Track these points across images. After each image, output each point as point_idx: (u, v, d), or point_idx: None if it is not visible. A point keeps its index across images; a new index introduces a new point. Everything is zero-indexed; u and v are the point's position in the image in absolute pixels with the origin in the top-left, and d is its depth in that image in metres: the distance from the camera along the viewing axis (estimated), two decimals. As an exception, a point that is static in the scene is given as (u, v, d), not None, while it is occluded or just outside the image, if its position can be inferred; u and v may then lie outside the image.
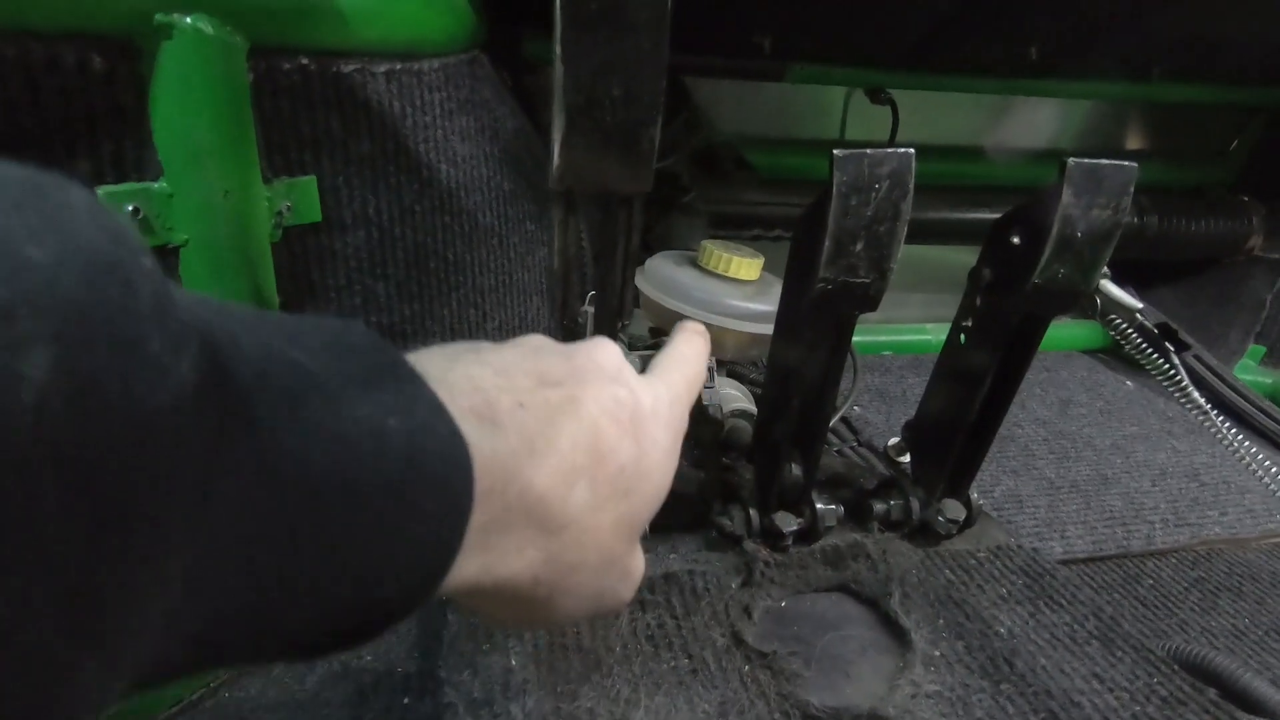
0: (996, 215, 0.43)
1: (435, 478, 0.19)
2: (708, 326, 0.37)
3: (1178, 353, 0.86)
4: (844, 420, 0.70)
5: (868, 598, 0.45)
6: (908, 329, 1.00)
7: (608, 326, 0.45)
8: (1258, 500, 0.73)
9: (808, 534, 0.48)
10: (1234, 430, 0.77)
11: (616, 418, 0.25)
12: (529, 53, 0.71)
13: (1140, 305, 0.84)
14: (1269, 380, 0.97)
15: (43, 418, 0.10)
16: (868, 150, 0.35)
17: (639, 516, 0.27)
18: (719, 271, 0.55)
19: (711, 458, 0.53)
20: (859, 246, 0.36)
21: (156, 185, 0.39)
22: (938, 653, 0.41)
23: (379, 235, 0.52)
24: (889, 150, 0.35)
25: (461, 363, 0.24)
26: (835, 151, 0.35)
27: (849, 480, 0.55)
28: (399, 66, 0.49)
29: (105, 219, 0.12)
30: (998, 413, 0.47)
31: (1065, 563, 0.62)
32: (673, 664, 0.39)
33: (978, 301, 0.45)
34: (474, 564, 0.21)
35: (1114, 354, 1.02)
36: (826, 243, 0.36)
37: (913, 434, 0.54)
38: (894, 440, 0.57)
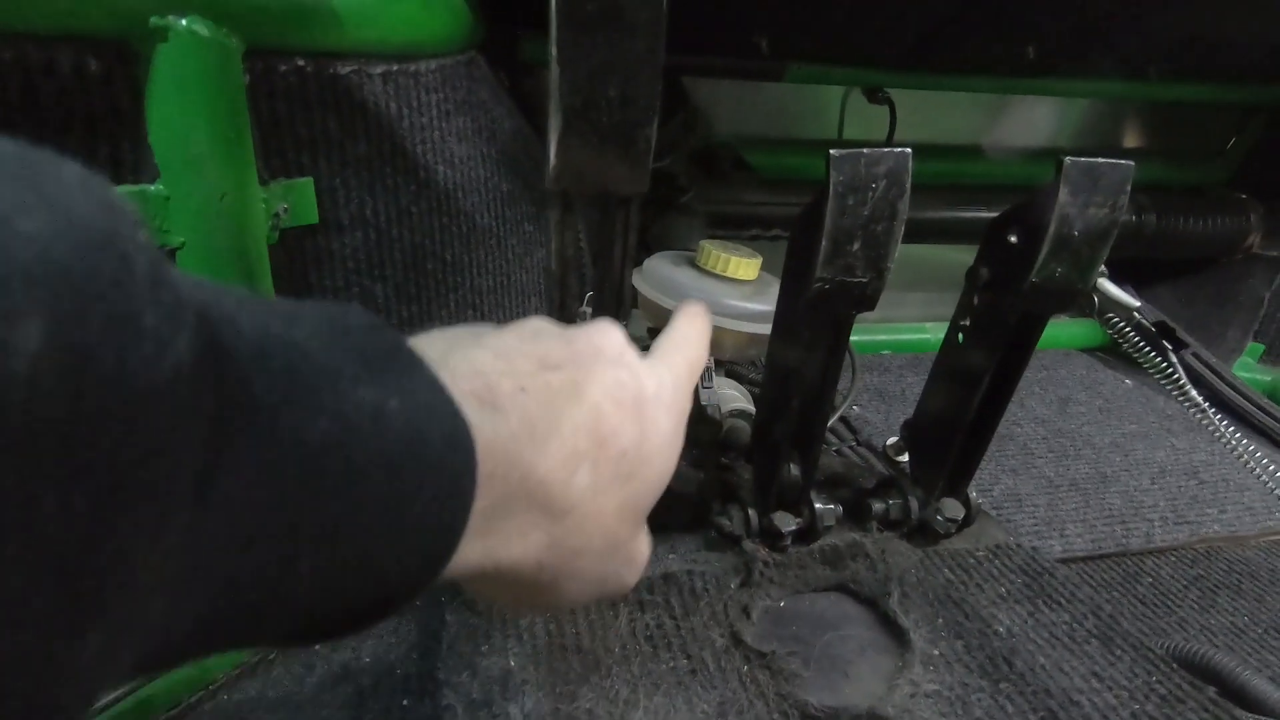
0: (994, 214, 0.43)
1: (437, 459, 0.19)
2: (705, 327, 0.37)
3: (1176, 351, 0.87)
4: (843, 420, 0.70)
5: (866, 597, 0.45)
6: (906, 328, 1.00)
7: (605, 327, 0.45)
8: (1256, 498, 0.73)
9: (806, 534, 0.48)
10: (1232, 428, 0.78)
11: (619, 401, 0.25)
12: (526, 54, 0.71)
13: (1138, 303, 0.84)
14: (1268, 378, 0.97)
15: (36, 389, 0.10)
16: (864, 150, 0.35)
17: (643, 500, 0.27)
18: (717, 271, 0.55)
19: (710, 458, 0.53)
20: (856, 246, 0.36)
21: (153, 188, 0.39)
22: (937, 652, 0.41)
23: (376, 237, 0.52)
24: (886, 150, 0.35)
25: (461, 346, 0.24)
26: (832, 151, 0.35)
27: (848, 480, 0.55)
28: (396, 68, 0.49)
29: (99, 193, 0.12)
30: (996, 411, 0.47)
31: (1064, 561, 0.62)
32: (671, 664, 0.39)
33: (976, 300, 0.45)
34: (477, 548, 0.21)
35: (1112, 352, 1.02)
36: (824, 242, 0.36)
37: (911, 433, 0.54)
38: (892, 439, 0.57)
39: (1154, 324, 0.90)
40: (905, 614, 0.43)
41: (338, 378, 0.17)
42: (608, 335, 0.27)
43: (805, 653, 0.41)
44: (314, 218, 0.48)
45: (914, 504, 0.50)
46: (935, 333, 0.98)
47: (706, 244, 0.56)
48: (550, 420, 0.23)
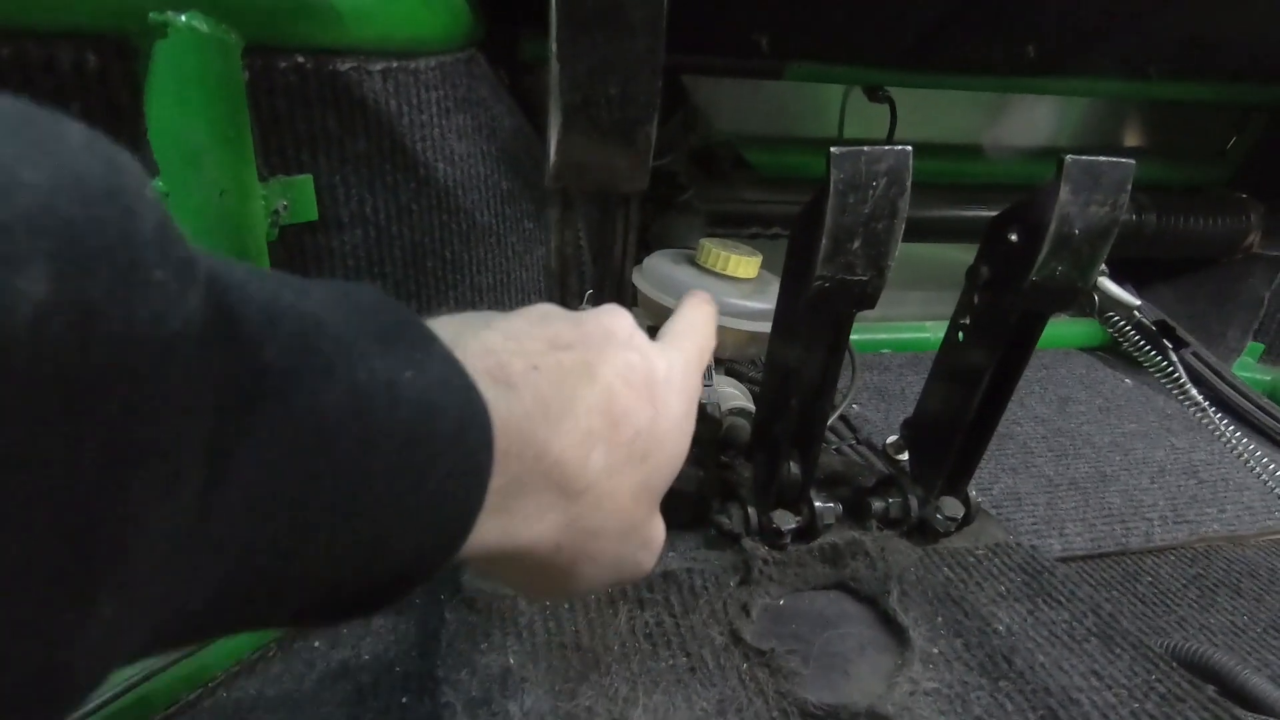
0: (994, 213, 0.43)
1: (452, 433, 0.19)
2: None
3: (1176, 350, 0.87)
4: (842, 418, 0.70)
5: (866, 595, 0.45)
6: (906, 327, 0.99)
7: (605, 325, 0.45)
8: (1256, 497, 0.73)
9: (806, 532, 0.48)
10: (1232, 427, 0.78)
11: (630, 382, 0.25)
12: (526, 52, 0.71)
13: (1138, 303, 0.84)
14: (1268, 377, 0.97)
15: (42, 337, 0.10)
16: (865, 148, 0.35)
17: (657, 482, 0.26)
18: (717, 270, 0.55)
19: (710, 456, 0.53)
20: (856, 244, 0.36)
21: (153, 184, 0.39)
22: (936, 650, 0.41)
23: (376, 234, 0.52)
24: (886, 148, 0.35)
25: (471, 328, 0.23)
26: (832, 149, 0.35)
27: (847, 478, 0.55)
28: (395, 65, 0.49)
29: (104, 150, 0.12)
30: (996, 410, 0.47)
31: (1064, 560, 0.62)
32: (671, 662, 0.39)
33: (976, 299, 0.45)
34: (494, 528, 0.21)
35: (1112, 351, 1.02)
36: (824, 241, 0.36)
37: (911, 432, 0.54)
38: (892, 438, 0.57)
39: (1154, 323, 0.90)
40: (905, 612, 0.43)
41: (351, 348, 0.17)
42: (617, 318, 0.27)
43: (805, 651, 0.41)
44: (313, 215, 0.48)
45: (914, 502, 0.50)
46: (935, 331, 0.98)
47: (706, 242, 0.56)
48: (563, 400, 0.23)
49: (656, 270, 0.56)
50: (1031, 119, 1.00)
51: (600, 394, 0.24)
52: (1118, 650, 0.42)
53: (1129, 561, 0.63)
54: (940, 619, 0.43)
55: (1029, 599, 0.46)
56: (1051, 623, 0.44)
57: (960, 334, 0.47)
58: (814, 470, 0.47)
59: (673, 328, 0.31)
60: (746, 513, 0.48)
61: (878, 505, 0.50)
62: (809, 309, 0.39)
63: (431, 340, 0.19)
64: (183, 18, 0.37)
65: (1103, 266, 0.41)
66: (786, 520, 0.46)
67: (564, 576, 0.25)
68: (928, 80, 0.85)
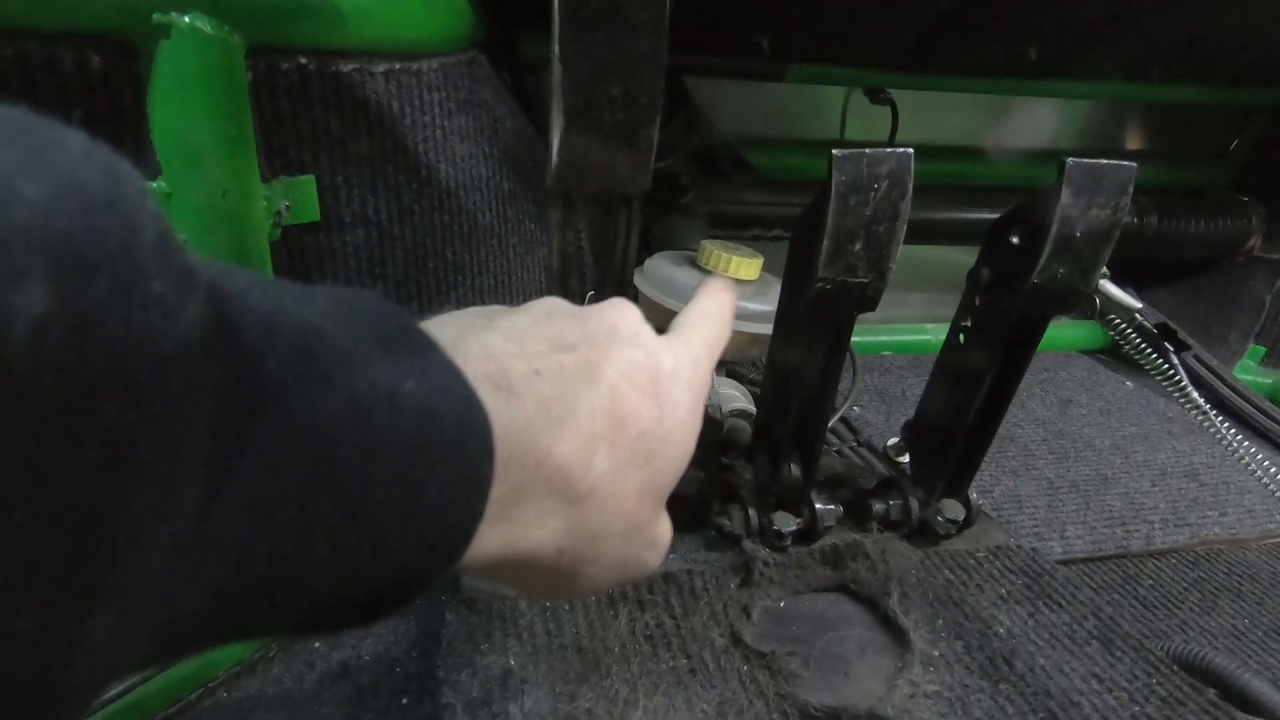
0: (995, 215, 0.43)
1: (453, 443, 0.19)
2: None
3: (1177, 353, 0.86)
4: (843, 420, 0.70)
5: (867, 597, 0.45)
6: (907, 329, 0.99)
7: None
8: (1257, 500, 0.73)
9: (807, 534, 0.48)
10: (1234, 430, 0.78)
11: (634, 381, 0.25)
12: (528, 53, 0.71)
13: (1140, 305, 0.84)
14: (1269, 381, 0.97)
15: (41, 351, 0.10)
16: (866, 150, 0.35)
17: (662, 481, 0.26)
18: (718, 271, 0.55)
19: (711, 457, 0.53)
20: (858, 246, 0.36)
21: (155, 185, 0.39)
22: (936, 653, 0.41)
23: (378, 235, 0.52)
24: (888, 150, 0.35)
25: (472, 329, 0.23)
26: (834, 151, 0.35)
27: (848, 480, 0.55)
28: (398, 66, 0.49)
29: (104, 160, 0.12)
30: (997, 413, 0.47)
31: (1064, 563, 0.62)
32: (671, 664, 0.39)
33: (977, 301, 0.45)
34: (495, 536, 0.21)
35: (1114, 354, 1.02)
36: (825, 243, 0.36)
37: (912, 434, 0.54)
38: (893, 440, 0.57)
39: (1155, 326, 0.89)
40: (905, 614, 0.43)
41: (351, 357, 0.17)
42: (623, 313, 0.27)
43: (805, 653, 0.41)
44: (316, 215, 0.48)
45: (914, 505, 0.50)
46: (936, 334, 0.98)
47: (708, 244, 0.56)
48: (566, 403, 0.23)
49: (658, 272, 0.56)
50: (1033, 121, 1.00)
51: (604, 395, 0.24)
52: (1118, 653, 0.42)
53: (1130, 564, 0.63)
54: (941, 621, 0.43)
55: (1030, 601, 0.46)
56: (1052, 625, 0.44)
57: (961, 336, 0.47)
58: (815, 472, 0.47)
59: (685, 318, 0.30)
60: (747, 514, 0.48)
61: (878, 507, 0.50)
62: (810, 311, 0.39)
63: (432, 348, 0.19)
64: (186, 18, 0.37)
65: (1104, 269, 0.41)
66: (787, 522, 0.46)
67: (568, 579, 0.25)
68: (929, 82, 0.85)
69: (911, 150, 0.35)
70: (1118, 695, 0.39)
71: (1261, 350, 0.98)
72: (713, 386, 0.55)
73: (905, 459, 0.56)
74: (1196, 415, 0.80)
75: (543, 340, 0.24)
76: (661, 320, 0.60)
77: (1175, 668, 0.41)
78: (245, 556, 0.15)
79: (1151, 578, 0.62)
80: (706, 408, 0.52)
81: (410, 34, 0.50)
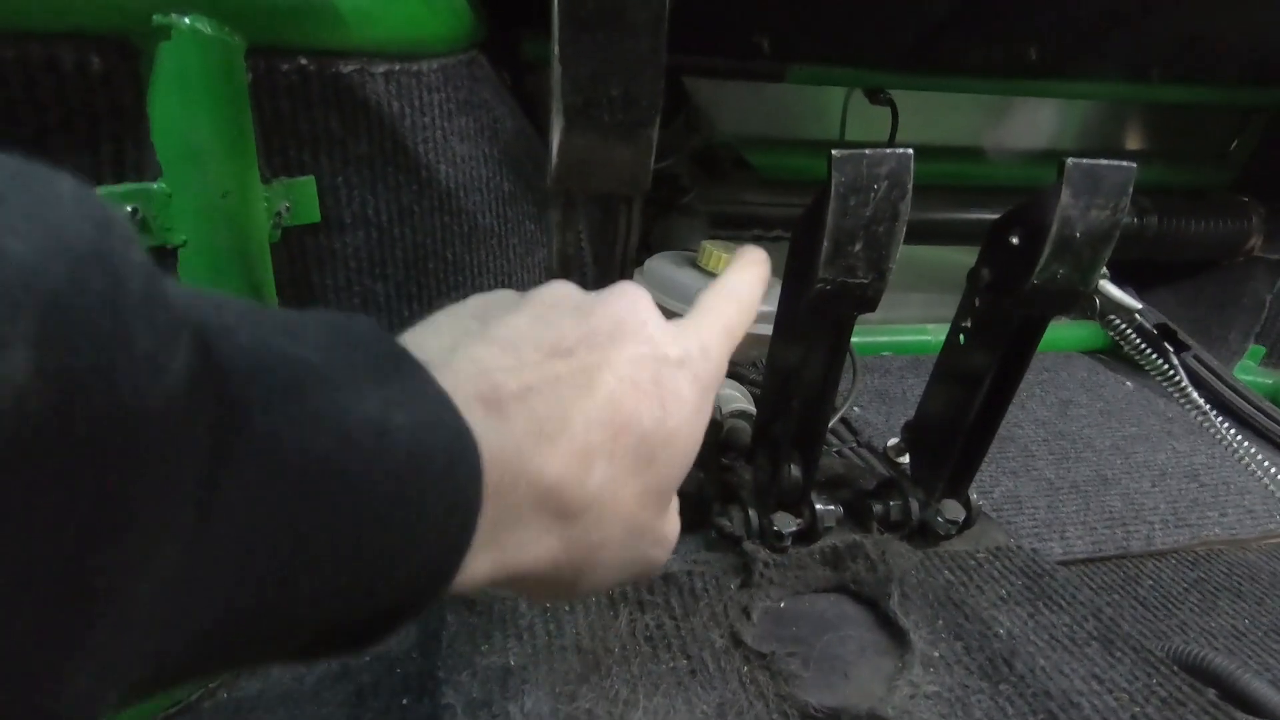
0: (995, 216, 0.43)
1: (441, 475, 0.19)
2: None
3: (1177, 353, 0.87)
4: (843, 421, 0.70)
5: (867, 598, 0.45)
6: (907, 329, 0.99)
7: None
8: (1257, 501, 0.73)
9: (807, 535, 0.48)
10: (1234, 431, 0.78)
11: (635, 382, 0.24)
12: (528, 53, 0.71)
13: (1140, 306, 0.84)
14: (1269, 381, 0.97)
15: (23, 420, 0.10)
16: (866, 150, 0.35)
17: (667, 480, 0.25)
18: (718, 271, 0.55)
19: (711, 458, 0.53)
20: (857, 247, 0.36)
21: (155, 185, 0.39)
22: (937, 653, 0.41)
23: (378, 236, 0.52)
24: (887, 150, 0.35)
25: (467, 339, 0.23)
26: (834, 151, 0.35)
27: (848, 481, 0.55)
28: (398, 67, 0.49)
29: (93, 208, 0.12)
30: (997, 413, 0.47)
31: (1065, 563, 0.62)
32: (671, 665, 0.39)
33: (977, 302, 0.45)
34: (486, 561, 0.21)
35: (1114, 355, 1.02)
36: (825, 243, 0.36)
37: (912, 435, 0.54)
38: (893, 441, 0.57)
39: (1155, 326, 0.89)
40: (905, 615, 0.43)
41: (340, 391, 0.17)
42: (630, 301, 0.26)
43: (805, 653, 0.41)
44: (316, 216, 0.48)
45: (914, 505, 0.50)
46: (936, 334, 0.98)
47: (708, 244, 0.56)
48: (560, 419, 0.22)
49: (658, 272, 0.56)
50: (1033, 121, 1.00)
51: (600, 405, 0.23)
52: (1118, 654, 0.42)
53: (1130, 565, 0.63)
54: (941, 622, 0.43)
55: (1030, 602, 0.46)
56: (1052, 626, 0.44)
57: (961, 337, 0.47)
58: (815, 473, 0.47)
59: (705, 299, 0.29)
60: (747, 515, 0.48)
61: (878, 508, 0.50)
62: (810, 311, 0.39)
63: (423, 377, 0.19)
64: (186, 20, 0.37)
65: (1104, 269, 0.41)
66: (787, 523, 0.46)
67: (568, 585, 0.25)
68: (929, 83, 0.85)
69: (911, 151, 0.35)
70: (1118, 696, 0.39)
71: (1262, 350, 0.98)
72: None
73: (905, 460, 0.56)
74: (1196, 416, 0.80)
75: (539, 347, 0.23)
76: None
77: (1175, 668, 0.41)
78: (231, 597, 0.15)
79: (1152, 578, 0.62)
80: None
81: (410, 35, 0.50)
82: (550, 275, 0.44)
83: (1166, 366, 0.84)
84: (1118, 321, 0.88)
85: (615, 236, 0.43)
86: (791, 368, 0.44)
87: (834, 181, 0.35)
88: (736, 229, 0.87)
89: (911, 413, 0.53)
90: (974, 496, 0.50)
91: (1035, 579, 0.48)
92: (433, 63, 0.51)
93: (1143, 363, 0.86)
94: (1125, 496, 0.71)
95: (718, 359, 0.27)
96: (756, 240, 0.87)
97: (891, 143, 0.88)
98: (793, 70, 0.81)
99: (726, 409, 0.57)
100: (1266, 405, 0.87)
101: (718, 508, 0.49)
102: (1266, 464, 0.75)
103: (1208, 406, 0.79)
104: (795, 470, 0.46)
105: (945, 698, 0.38)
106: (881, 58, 0.82)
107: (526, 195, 0.63)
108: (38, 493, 0.10)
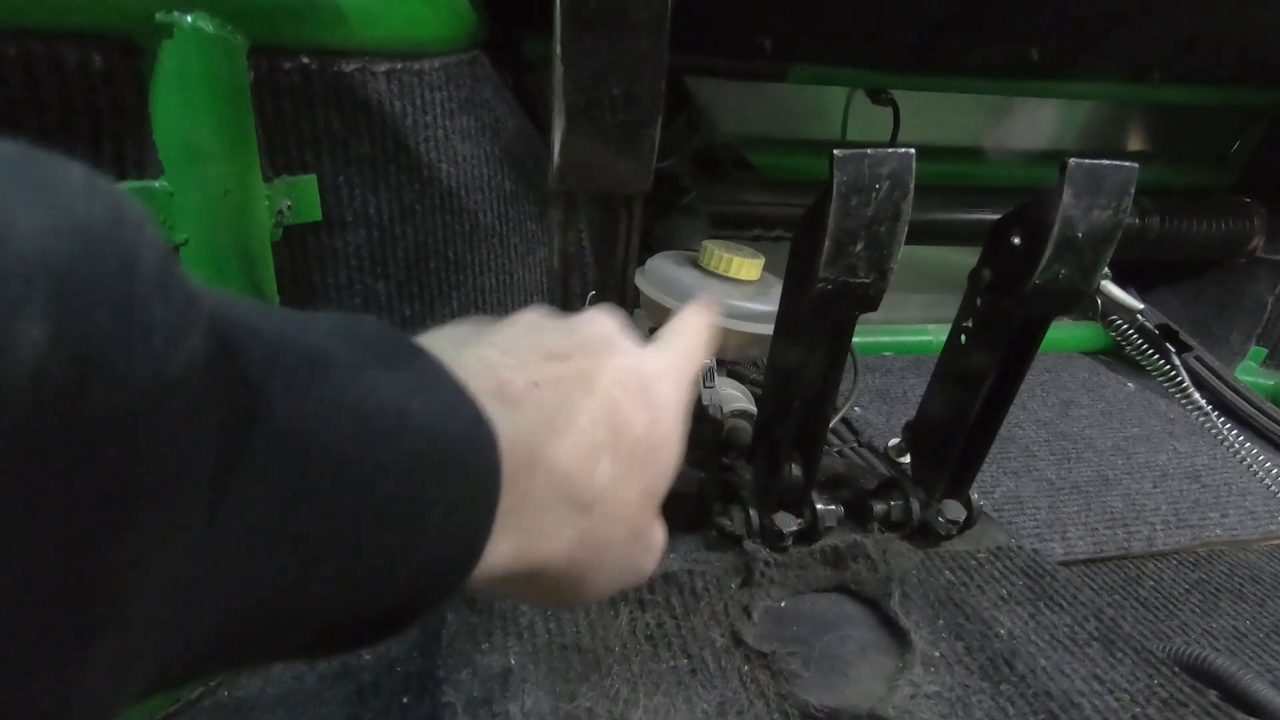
0: (997, 216, 0.43)
1: (460, 460, 0.19)
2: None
3: (1179, 354, 0.86)
4: (844, 421, 0.70)
5: (867, 598, 0.45)
6: (908, 330, 0.99)
7: (608, 326, 0.45)
8: (1259, 502, 0.73)
9: (808, 534, 0.48)
10: (1235, 432, 0.78)
11: (627, 387, 0.25)
12: (530, 53, 0.71)
13: (1141, 306, 0.84)
14: (1270, 382, 0.96)
15: (42, 386, 0.10)
16: (868, 150, 0.35)
17: (658, 486, 0.26)
18: (720, 271, 0.55)
19: (712, 458, 0.53)
20: (859, 247, 0.36)
21: (157, 184, 0.39)
22: (937, 653, 0.41)
23: (380, 234, 0.52)
24: (889, 150, 0.35)
25: (468, 344, 0.23)
26: (835, 151, 0.35)
27: (849, 481, 0.55)
28: (400, 66, 0.49)
29: (104, 191, 0.12)
30: (998, 414, 0.47)
31: (1066, 564, 0.62)
32: (672, 664, 0.39)
33: (978, 302, 0.45)
34: (507, 549, 0.21)
35: (1115, 355, 1.01)
36: (826, 243, 0.36)
37: (913, 435, 0.54)
38: (894, 441, 0.57)
39: (1157, 327, 0.89)
40: (906, 615, 0.43)
41: (357, 377, 0.17)
42: (606, 324, 0.27)
43: (806, 653, 0.41)
44: (317, 215, 0.48)
45: (915, 505, 0.50)
46: (937, 334, 0.98)
47: (709, 244, 0.56)
48: (567, 413, 0.23)
49: (659, 272, 0.56)
50: (1034, 122, 1.00)
51: (601, 403, 0.24)
52: (1119, 655, 0.42)
53: (1131, 566, 0.63)
54: (941, 622, 0.43)
55: (1031, 603, 0.46)
56: (1053, 627, 0.44)
57: (962, 337, 0.47)
58: (815, 472, 0.47)
59: (664, 331, 0.31)
60: (748, 515, 0.48)
61: (879, 508, 0.50)
62: (811, 311, 0.39)
63: (437, 366, 0.19)
64: (188, 18, 0.37)
65: (1105, 270, 0.41)
66: (788, 522, 0.46)
67: (574, 588, 0.25)
68: (931, 83, 0.85)
69: (913, 151, 0.35)
70: (1119, 697, 0.39)
71: (1263, 351, 0.98)
72: (714, 386, 0.55)
73: (906, 459, 0.56)
74: (1198, 416, 0.80)
75: (537, 351, 0.24)
76: (663, 320, 0.60)
77: (1176, 669, 0.41)
78: (249, 584, 0.15)
79: (1153, 579, 0.62)
80: (707, 407, 0.52)
81: (412, 34, 0.50)
82: (552, 274, 0.44)
83: (1168, 367, 0.84)
84: (1119, 322, 0.88)
85: (616, 236, 0.43)
86: (793, 367, 0.44)
87: (836, 181, 0.35)
88: (738, 229, 0.87)
89: (912, 413, 0.53)
90: (975, 497, 0.50)
91: (1036, 579, 0.48)
92: (435, 62, 0.51)
93: (1144, 363, 0.85)
94: (1126, 497, 0.71)
95: (686, 379, 0.29)
96: (757, 240, 0.87)
97: (893, 143, 0.88)
98: (794, 70, 0.81)
99: (727, 408, 0.57)
100: (1268, 406, 0.87)
101: (718, 507, 0.49)
102: (1268, 465, 0.75)
103: (1209, 407, 0.79)
104: (796, 470, 0.46)
105: (946, 698, 0.38)
106: (883, 58, 0.82)
107: (528, 194, 0.63)
108: (54, 464, 0.10)
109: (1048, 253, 0.39)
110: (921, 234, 0.90)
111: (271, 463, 0.15)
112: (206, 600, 0.14)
